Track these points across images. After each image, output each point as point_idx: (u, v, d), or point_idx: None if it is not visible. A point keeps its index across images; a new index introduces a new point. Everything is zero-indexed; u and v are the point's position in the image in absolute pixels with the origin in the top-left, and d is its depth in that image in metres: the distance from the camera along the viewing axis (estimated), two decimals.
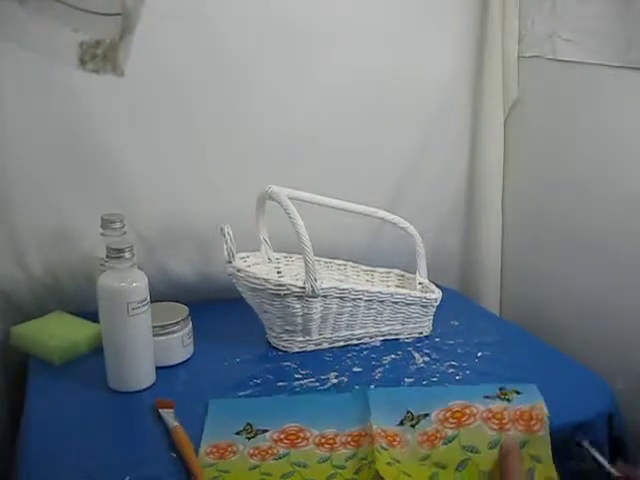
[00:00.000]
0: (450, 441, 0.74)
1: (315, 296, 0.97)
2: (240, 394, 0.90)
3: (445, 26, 1.23)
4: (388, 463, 0.73)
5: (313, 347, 1.02)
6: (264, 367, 0.98)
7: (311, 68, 1.16)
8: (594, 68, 1.05)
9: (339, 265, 1.17)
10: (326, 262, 1.15)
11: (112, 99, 1.04)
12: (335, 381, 0.94)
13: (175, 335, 0.96)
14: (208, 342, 1.02)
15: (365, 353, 1.02)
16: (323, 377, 0.95)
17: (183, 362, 0.98)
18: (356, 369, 0.97)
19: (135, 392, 0.90)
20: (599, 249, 1.09)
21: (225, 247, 1.00)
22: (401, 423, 0.80)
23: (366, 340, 1.05)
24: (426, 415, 0.79)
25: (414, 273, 1.13)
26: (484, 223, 1.34)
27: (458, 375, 0.95)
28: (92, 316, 0.96)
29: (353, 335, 1.04)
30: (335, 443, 0.79)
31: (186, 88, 1.09)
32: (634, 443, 0.89)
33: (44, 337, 0.99)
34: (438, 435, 0.76)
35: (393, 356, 1.01)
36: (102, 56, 0.78)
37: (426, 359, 1.00)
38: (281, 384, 0.93)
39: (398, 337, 1.07)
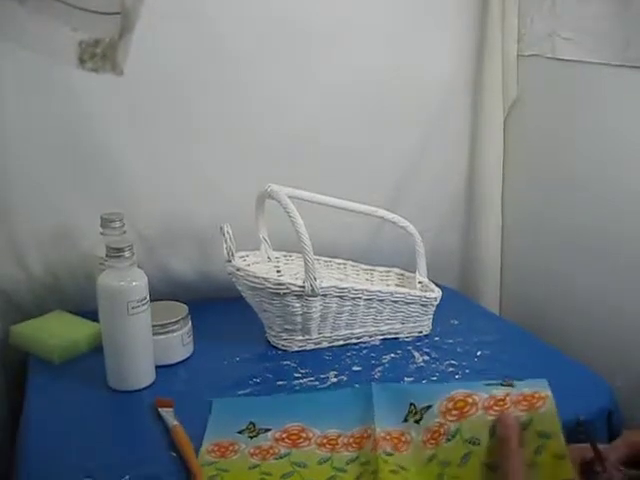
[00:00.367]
0: (453, 436, 0.73)
1: (315, 295, 0.97)
2: (240, 393, 0.90)
3: (445, 26, 1.23)
4: (392, 471, 0.72)
5: (313, 346, 1.02)
6: (264, 366, 0.98)
7: (311, 68, 1.16)
8: (593, 67, 1.05)
9: (339, 264, 1.17)
10: (326, 261, 1.15)
11: (112, 99, 1.04)
12: (335, 380, 0.94)
13: (175, 334, 0.96)
14: (208, 341, 1.02)
15: (365, 352, 1.03)
16: (323, 376, 0.95)
17: (183, 361, 0.98)
18: (356, 368, 0.98)
19: (135, 391, 0.90)
20: (599, 248, 1.09)
21: (225, 246, 1.00)
22: (405, 419, 0.80)
23: (366, 339, 1.05)
24: (429, 407, 0.79)
25: (414, 272, 1.14)
26: (484, 222, 1.34)
27: (457, 374, 0.95)
28: (92, 315, 0.96)
29: (353, 334, 1.04)
30: (337, 444, 0.79)
31: (186, 88, 1.09)
32: None
33: (44, 336, 0.99)
34: (442, 431, 0.75)
35: (393, 355, 1.01)
36: (101, 55, 0.78)
37: (426, 358, 1.00)
38: (281, 383, 0.93)
39: (398, 336, 1.07)
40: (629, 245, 1.03)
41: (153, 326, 0.91)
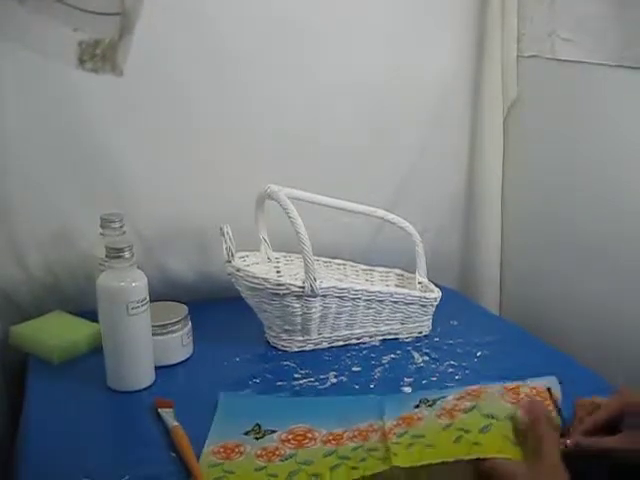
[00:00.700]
0: (470, 410, 0.73)
1: (314, 295, 0.97)
2: (240, 394, 0.90)
3: (445, 26, 1.23)
4: (409, 445, 0.72)
5: (312, 346, 1.02)
6: (263, 367, 0.98)
7: (311, 68, 1.16)
8: (593, 67, 1.05)
9: (338, 265, 1.17)
10: (325, 262, 1.15)
11: (112, 99, 1.04)
12: (334, 380, 0.94)
13: (174, 335, 0.96)
14: (207, 342, 1.02)
15: (364, 352, 1.03)
16: (322, 376, 0.95)
17: (182, 362, 0.98)
18: (355, 368, 0.97)
19: (134, 392, 0.90)
20: (598, 249, 1.09)
21: (224, 246, 1.00)
22: (416, 407, 0.80)
23: (365, 339, 1.05)
24: (442, 397, 0.79)
25: (414, 273, 1.13)
26: (484, 223, 1.34)
27: (457, 375, 0.95)
28: (91, 316, 0.96)
29: (352, 334, 1.04)
30: (342, 439, 0.78)
31: (186, 88, 1.09)
32: None
33: (44, 336, 0.99)
34: (457, 408, 0.74)
35: (392, 356, 1.01)
36: (101, 56, 0.78)
37: (425, 359, 1.00)
38: (280, 383, 0.93)
39: (397, 336, 1.07)
40: (629, 245, 1.03)
41: (153, 327, 0.91)
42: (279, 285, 0.97)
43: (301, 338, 1.02)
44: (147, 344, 0.90)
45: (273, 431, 0.80)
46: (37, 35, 0.84)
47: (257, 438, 0.79)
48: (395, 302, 1.04)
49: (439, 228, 1.33)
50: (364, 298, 1.02)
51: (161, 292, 1.04)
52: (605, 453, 0.71)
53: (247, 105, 1.13)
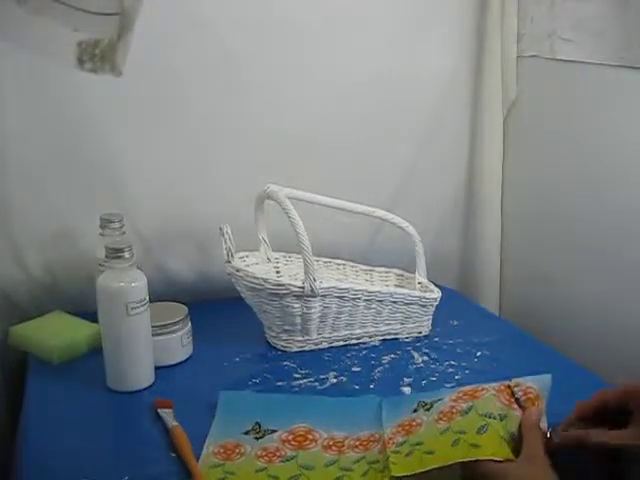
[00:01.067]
0: (467, 412, 0.73)
1: (314, 296, 0.97)
2: (239, 392, 0.90)
3: (445, 25, 1.23)
4: (408, 454, 0.71)
5: (312, 347, 1.02)
6: (263, 367, 0.98)
7: (311, 68, 1.16)
8: (593, 67, 1.05)
9: (338, 265, 1.17)
10: (325, 262, 1.15)
11: (112, 99, 1.04)
12: (334, 381, 0.94)
13: (174, 335, 0.96)
14: (207, 342, 1.02)
15: (364, 353, 1.03)
16: (322, 377, 0.95)
17: (182, 362, 0.98)
18: (355, 369, 0.98)
19: (134, 392, 0.90)
20: (599, 249, 1.09)
21: (224, 247, 1.00)
22: (414, 411, 0.80)
23: (365, 340, 1.05)
24: (439, 400, 0.79)
25: (413, 273, 1.13)
26: (484, 223, 1.34)
27: (457, 375, 0.95)
28: (91, 316, 0.96)
29: (352, 335, 1.04)
30: (343, 446, 0.78)
31: (186, 88, 1.09)
32: None
33: (43, 337, 0.99)
34: (454, 410, 0.74)
35: (392, 356, 1.01)
36: (100, 56, 0.77)
37: (425, 359, 1.00)
38: (280, 384, 0.93)
39: (397, 337, 1.07)
40: (629, 245, 1.03)
41: (153, 327, 0.91)
42: (279, 285, 0.97)
43: (301, 338, 1.02)
44: (147, 344, 0.90)
45: (273, 430, 0.80)
46: (37, 35, 0.83)
47: (257, 438, 0.79)
48: (395, 302, 1.04)
49: (439, 228, 1.33)
50: (364, 298, 1.02)
51: (161, 292, 1.04)
52: (615, 449, 0.70)
53: (247, 105, 1.13)
